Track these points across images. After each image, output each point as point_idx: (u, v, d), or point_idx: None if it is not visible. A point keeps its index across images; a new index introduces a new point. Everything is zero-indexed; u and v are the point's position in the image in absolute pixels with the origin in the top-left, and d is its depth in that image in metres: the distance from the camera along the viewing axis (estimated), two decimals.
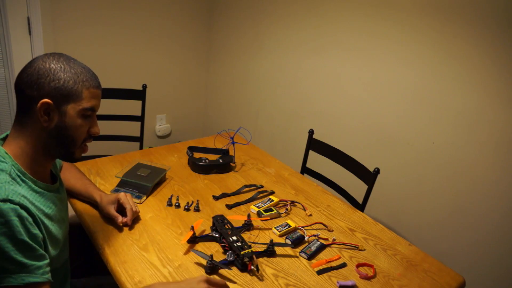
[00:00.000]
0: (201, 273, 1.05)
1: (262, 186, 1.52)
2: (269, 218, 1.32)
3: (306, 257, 1.16)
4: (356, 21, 1.96)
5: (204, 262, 1.08)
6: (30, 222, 0.80)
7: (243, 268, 1.07)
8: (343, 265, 1.15)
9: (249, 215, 1.27)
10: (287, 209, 1.39)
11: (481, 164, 1.63)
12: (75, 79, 0.87)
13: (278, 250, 1.18)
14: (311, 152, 1.84)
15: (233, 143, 1.69)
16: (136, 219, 1.23)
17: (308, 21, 2.20)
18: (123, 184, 1.39)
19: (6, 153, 0.87)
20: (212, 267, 1.05)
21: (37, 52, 2.23)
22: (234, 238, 1.14)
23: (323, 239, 1.25)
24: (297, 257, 1.16)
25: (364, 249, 1.23)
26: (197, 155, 1.69)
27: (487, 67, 1.56)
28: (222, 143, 1.84)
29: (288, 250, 1.19)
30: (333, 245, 1.23)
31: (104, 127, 1.71)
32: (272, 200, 1.41)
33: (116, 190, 1.37)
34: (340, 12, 2.03)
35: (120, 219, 1.18)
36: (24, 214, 0.79)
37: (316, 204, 1.46)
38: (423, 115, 1.79)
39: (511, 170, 1.55)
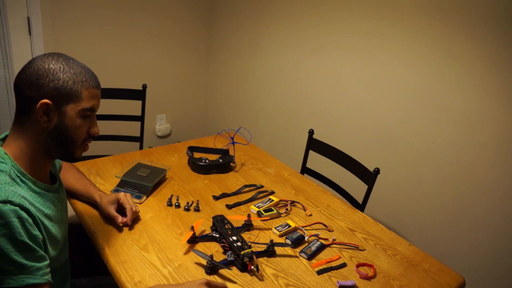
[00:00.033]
0: (201, 273, 1.05)
1: (262, 186, 1.52)
2: (269, 218, 1.32)
3: (306, 257, 1.16)
4: (356, 21, 1.96)
5: (204, 262, 1.08)
6: (30, 223, 0.80)
7: (243, 268, 1.07)
8: (343, 265, 1.15)
9: (249, 215, 1.27)
10: (287, 209, 1.39)
11: (481, 164, 1.63)
12: (74, 79, 0.87)
13: (278, 250, 1.18)
14: (311, 152, 1.84)
15: (233, 143, 1.68)
16: (136, 219, 1.23)
17: (308, 21, 2.20)
18: (123, 184, 1.39)
19: (6, 153, 0.87)
20: (212, 267, 1.05)
21: (37, 52, 2.23)
22: (234, 238, 1.14)
23: (323, 239, 1.25)
24: (297, 257, 1.16)
25: (364, 249, 1.23)
26: (197, 155, 1.69)
27: (487, 67, 1.56)
28: (222, 143, 1.84)
29: (288, 250, 1.19)
30: (333, 245, 1.23)
31: (104, 127, 1.71)
32: (272, 200, 1.41)
33: (116, 190, 1.37)
34: (340, 12, 2.02)
35: (120, 219, 1.18)
36: (24, 215, 0.79)
37: (316, 204, 1.45)
38: (423, 115, 1.79)
39: (511, 170, 1.56)
